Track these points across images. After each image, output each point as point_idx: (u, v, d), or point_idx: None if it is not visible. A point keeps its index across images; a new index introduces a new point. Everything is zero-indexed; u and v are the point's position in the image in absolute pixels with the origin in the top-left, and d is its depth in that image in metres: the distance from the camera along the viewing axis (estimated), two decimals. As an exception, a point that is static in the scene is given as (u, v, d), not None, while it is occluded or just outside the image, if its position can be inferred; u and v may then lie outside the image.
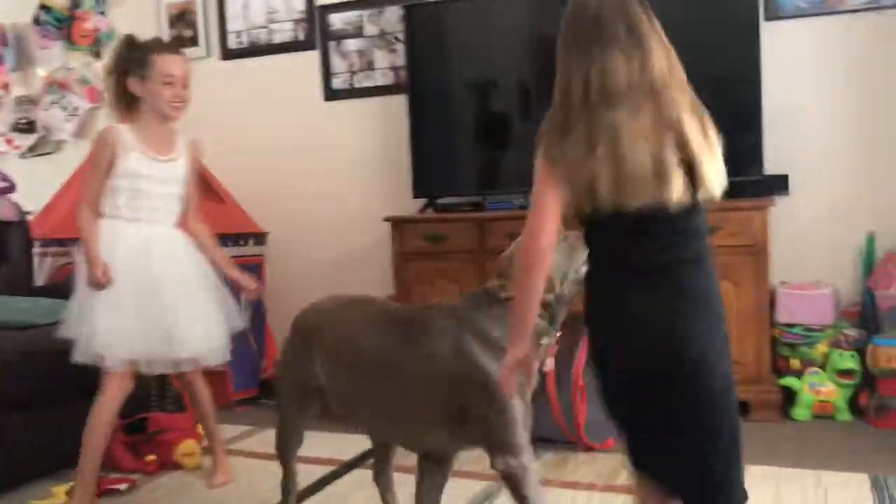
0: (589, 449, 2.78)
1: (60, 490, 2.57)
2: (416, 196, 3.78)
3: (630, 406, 1.51)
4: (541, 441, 2.84)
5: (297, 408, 2.14)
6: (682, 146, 1.45)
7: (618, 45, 1.44)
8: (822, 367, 3.12)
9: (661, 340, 1.43)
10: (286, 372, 2.13)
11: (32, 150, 4.81)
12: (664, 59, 1.51)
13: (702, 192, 1.47)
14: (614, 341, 1.48)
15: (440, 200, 3.75)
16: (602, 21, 1.46)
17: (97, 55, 4.62)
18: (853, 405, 3.09)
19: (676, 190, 1.42)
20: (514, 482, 1.79)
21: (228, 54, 4.38)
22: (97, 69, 4.58)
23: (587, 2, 1.50)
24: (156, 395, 3.20)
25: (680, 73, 1.56)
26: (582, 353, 2.78)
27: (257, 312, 3.88)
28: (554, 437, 2.83)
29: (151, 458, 2.83)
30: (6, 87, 4.84)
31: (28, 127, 4.76)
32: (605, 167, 1.42)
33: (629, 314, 1.45)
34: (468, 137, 3.72)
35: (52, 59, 4.70)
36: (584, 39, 1.48)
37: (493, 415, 1.78)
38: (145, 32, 4.44)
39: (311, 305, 2.15)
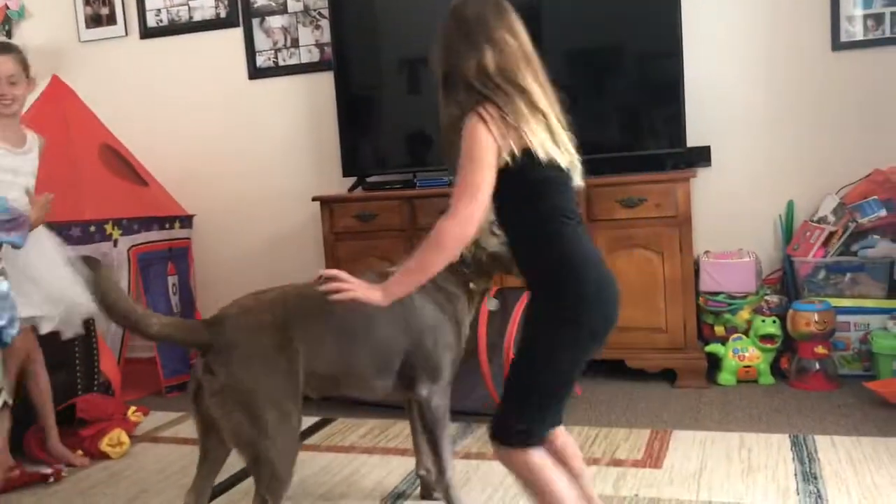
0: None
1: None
2: (345, 175, 3.75)
3: (575, 358, 1.57)
4: (474, 415, 2.88)
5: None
6: None
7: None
8: (746, 333, 3.22)
9: (616, 294, 1.60)
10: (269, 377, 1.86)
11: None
12: None
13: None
14: (600, 292, 1.57)
15: (370, 179, 3.72)
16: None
17: (8, 34, 4.43)
18: (775, 369, 3.19)
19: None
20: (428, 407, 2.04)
21: (147, 33, 4.24)
22: (9, 49, 4.39)
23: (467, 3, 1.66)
24: (82, 379, 3.11)
25: None
26: (513, 325, 2.80)
27: (185, 297, 3.80)
28: (487, 411, 2.85)
29: (79, 454, 2.76)
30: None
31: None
32: (542, 130, 1.61)
33: (597, 263, 1.60)
34: (396, 115, 3.69)
35: (-41, 38, 4.49)
36: (471, 32, 1.62)
37: (432, 348, 2.02)
38: (60, 11, 4.32)
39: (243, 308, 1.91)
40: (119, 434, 2.83)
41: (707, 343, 3.25)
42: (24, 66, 2.71)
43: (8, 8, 4.40)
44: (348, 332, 1.96)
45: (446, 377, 2.09)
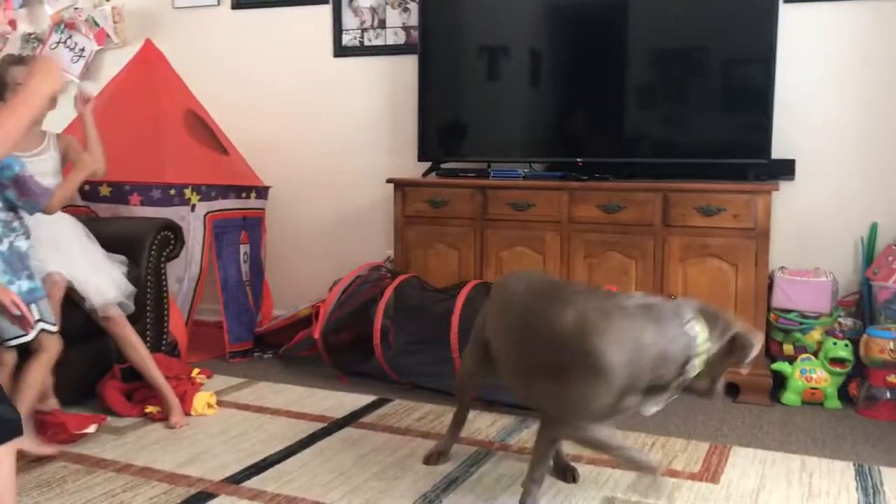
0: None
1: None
2: (420, 159, 3.76)
3: None
4: (530, 410, 2.87)
5: (472, 356, 2.35)
6: None
7: None
8: (815, 353, 3.13)
9: None
10: (476, 323, 2.37)
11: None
12: None
13: None
14: None
15: (444, 165, 3.73)
16: None
17: (106, -4, 4.56)
18: (843, 394, 3.10)
19: None
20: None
21: (239, 4, 4.31)
22: (106, 11, 4.53)
23: None
24: (151, 338, 3.21)
25: None
26: None
27: (255, 266, 3.88)
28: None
29: (153, 409, 2.85)
30: (13, 24, 4.78)
31: (33, 66, 4.70)
32: None
33: None
34: (476, 103, 3.69)
35: (60, -2, 4.64)
36: None
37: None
38: (157, -23, 4.43)
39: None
40: (211, 396, 2.96)
41: (774, 360, 3.18)
42: None
43: (108, -29, 4.52)
44: None
45: None
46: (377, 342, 3.20)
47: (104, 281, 2.84)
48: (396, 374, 3.21)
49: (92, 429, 2.64)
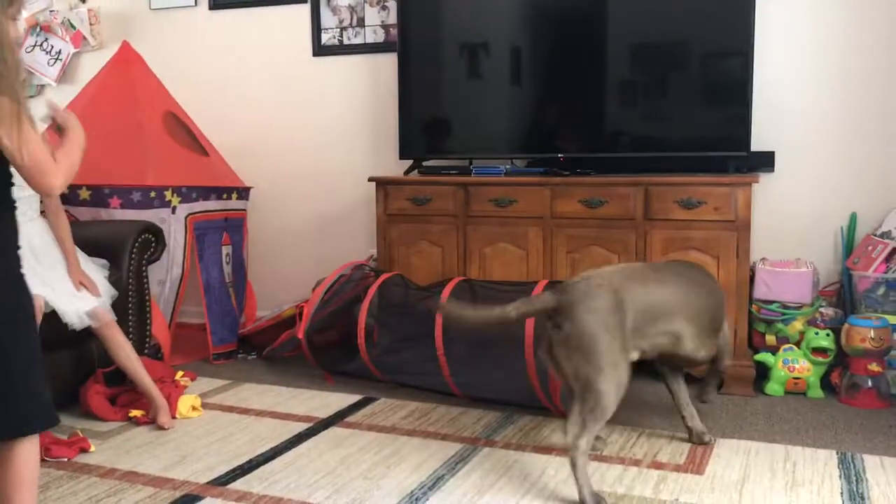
0: (563, 416, 2.79)
1: None
2: (401, 157, 3.76)
3: None
4: (517, 406, 2.88)
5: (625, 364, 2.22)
6: None
7: None
8: (797, 344, 3.16)
9: None
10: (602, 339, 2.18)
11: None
12: None
13: None
14: None
15: (426, 163, 3.73)
16: None
17: (83, -1, 4.53)
18: (825, 383, 3.13)
19: None
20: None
21: (216, 4, 4.29)
22: (82, 13, 4.49)
23: None
24: (134, 341, 3.19)
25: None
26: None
27: (238, 268, 3.86)
28: (530, 402, 2.85)
29: (137, 413, 2.83)
30: (-12, 27, 4.73)
31: (9, 69, 4.65)
32: None
33: None
34: (457, 100, 3.69)
35: (37, 0, 4.59)
36: None
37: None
38: (133, -22, 4.39)
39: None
40: (195, 399, 2.95)
41: (757, 352, 3.20)
42: None
43: (83, -28, 4.49)
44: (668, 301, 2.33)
45: None
46: (362, 341, 3.19)
47: (84, 294, 2.78)
48: (381, 372, 3.21)
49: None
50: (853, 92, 3.32)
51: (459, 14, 3.65)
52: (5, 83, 1.56)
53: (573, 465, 2.10)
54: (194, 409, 2.91)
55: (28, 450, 1.67)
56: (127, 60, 3.82)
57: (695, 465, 2.39)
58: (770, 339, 3.22)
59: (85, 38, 4.51)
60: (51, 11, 4.56)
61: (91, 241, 3.03)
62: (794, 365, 3.10)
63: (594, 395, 2.11)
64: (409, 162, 3.74)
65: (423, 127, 3.74)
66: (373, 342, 3.30)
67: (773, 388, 3.11)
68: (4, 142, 1.56)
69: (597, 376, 2.11)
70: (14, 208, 1.72)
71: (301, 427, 2.76)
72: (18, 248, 1.72)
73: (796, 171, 3.39)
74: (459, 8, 3.64)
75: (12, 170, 1.66)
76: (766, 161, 3.37)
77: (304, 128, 4.18)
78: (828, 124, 3.36)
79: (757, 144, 3.29)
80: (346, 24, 4.03)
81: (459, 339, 3.01)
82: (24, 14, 4.57)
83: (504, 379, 2.92)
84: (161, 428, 2.74)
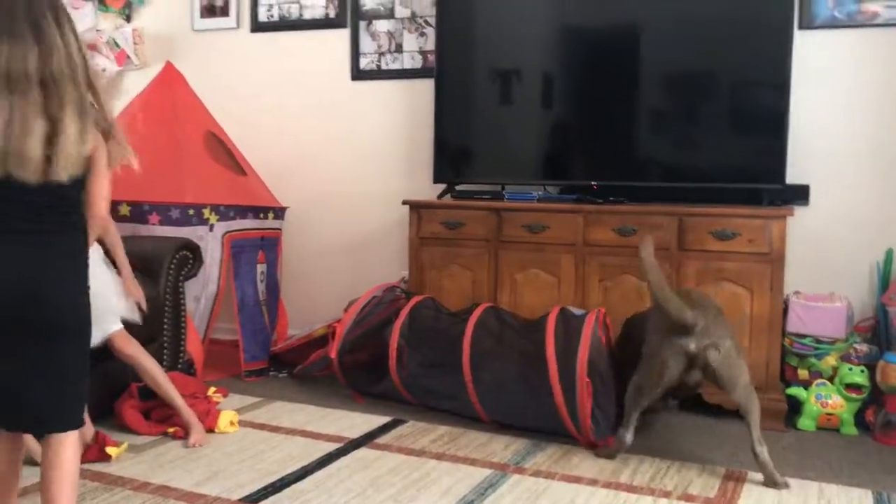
0: (591, 445, 2.79)
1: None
2: (436, 181, 3.79)
3: None
4: (543, 433, 2.88)
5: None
6: (54, 134, 1.69)
7: (20, 38, 1.68)
8: (831, 379, 3.13)
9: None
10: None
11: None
12: (63, 57, 1.71)
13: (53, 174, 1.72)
14: None
15: (459, 187, 3.76)
16: (9, 14, 1.69)
17: (128, 18, 4.64)
18: (859, 420, 3.09)
19: (32, 170, 1.69)
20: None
21: (258, 27, 4.38)
22: (127, 33, 4.60)
23: None
24: (168, 356, 3.24)
25: (82, 71, 1.75)
26: (584, 348, 2.78)
27: (272, 286, 3.91)
28: (556, 430, 2.85)
29: (173, 429, 2.87)
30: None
31: (55, 86, 4.77)
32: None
33: None
34: (491, 126, 3.72)
35: (83, 19, 4.70)
36: None
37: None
38: (178, 0, 4.50)
39: None
40: (234, 415, 2.99)
41: (789, 385, 3.18)
42: None
43: (130, -7, 4.60)
44: None
45: None
46: (393, 363, 3.22)
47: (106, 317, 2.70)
48: (411, 394, 3.22)
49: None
50: (890, 126, 3.31)
51: (495, 41, 3.70)
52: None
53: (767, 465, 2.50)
54: (232, 424, 2.95)
55: (74, 444, 1.85)
56: (170, 80, 3.91)
57: (726, 499, 2.37)
58: (802, 373, 3.19)
59: (129, 57, 4.61)
60: (97, 31, 4.67)
61: (130, 256, 3.07)
62: (826, 400, 3.07)
63: (752, 393, 2.56)
64: (443, 186, 3.77)
65: (457, 152, 3.78)
66: (402, 364, 3.32)
67: (806, 423, 3.08)
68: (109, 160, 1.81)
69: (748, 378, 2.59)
70: (85, 230, 1.87)
71: (331, 447, 2.78)
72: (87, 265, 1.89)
73: (832, 205, 3.38)
74: (495, 35, 3.69)
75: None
76: (801, 194, 3.36)
77: (340, 150, 4.23)
78: (864, 158, 3.35)
79: (792, 177, 3.28)
80: (384, 49, 4.09)
81: (487, 366, 3.02)
82: (72, 33, 4.69)
83: (532, 406, 2.92)
84: (194, 445, 2.77)
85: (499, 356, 3.05)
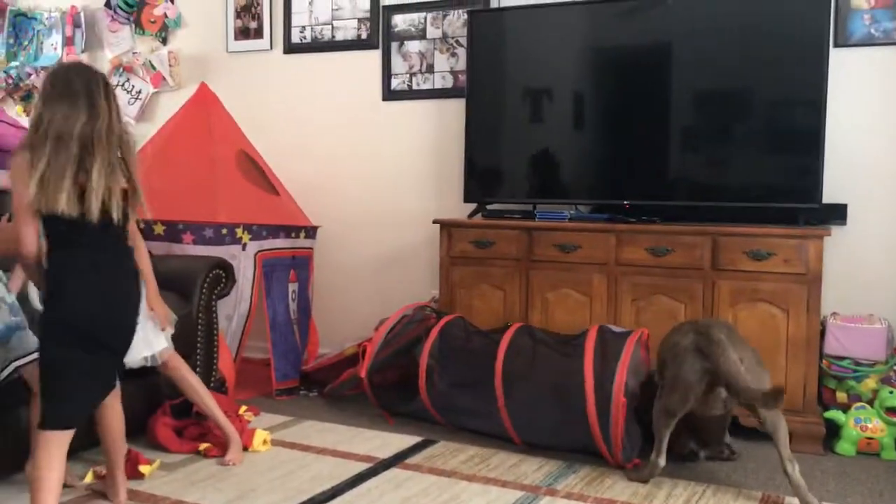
0: (619, 466, 2.76)
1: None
2: (466, 200, 3.79)
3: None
4: (575, 453, 2.85)
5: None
6: (85, 182, 2.05)
7: (75, 106, 2.07)
8: (870, 402, 3.06)
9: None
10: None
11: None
12: (105, 121, 2.09)
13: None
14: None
15: (489, 206, 3.76)
16: (69, 85, 2.09)
17: (163, 41, 4.72)
18: (899, 444, 3.02)
19: (91, 211, 2.06)
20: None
21: (291, 48, 4.43)
22: (162, 55, 4.68)
23: (62, 70, 2.17)
24: (201, 375, 3.25)
25: (117, 132, 2.13)
26: (623, 368, 2.76)
27: (303, 305, 3.92)
28: (588, 451, 2.82)
29: (206, 446, 2.88)
30: (74, 67, 4.96)
31: (93, 107, 4.86)
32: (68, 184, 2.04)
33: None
34: (522, 145, 3.72)
35: (120, 42, 4.81)
36: (56, 95, 2.08)
37: None
38: (213, 22, 4.57)
39: None
40: (267, 434, 3.00)
41: (826, 409, 3.11)
42: None
43: (166, 17, 4.68)
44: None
45: None
46: (422, 383, 3.21)
47: (150, 338, 2.68)
48: (441, 414, 3.21)
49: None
50: (930, 145, 3.25)
51: (526, 61, 3.70)
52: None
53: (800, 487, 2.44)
54: (265, 443, 2.95)
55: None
56: (204, 101, 3.97)
57: (763, 525, 2.33)
58: (841, 396, 3.13)
59: (164, 78, 4.69)
60: (133, 53, 4.76)
61: (164, 275, 3.09)
62: (866, 424, 3.01)
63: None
64: (474, 205, 3.77)
65: (487, 171, 3.78)
66: (432, 383, 3.31)
67: (845, 447, 3.02)
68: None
69: None
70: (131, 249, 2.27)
71: (361, 467, 2.77)
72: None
73: (869, 225, 3.32)
74: (526, 55, 3.69)
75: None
76: (838, 213, 3.31)
77: (371, 169, 4.25)
78: (903, 177, 3.29)
79: (829, 196, 3.24)
80: (415, 69, 4.11)
81: (519, 385, 3.00)
82: (109, 55, 4.79)
83: (563, 427, 2.89)
84: (230, 463, 2.78)
85: (531, 375, 3.02)
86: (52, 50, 4.97)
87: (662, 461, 2.61)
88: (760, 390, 2.43)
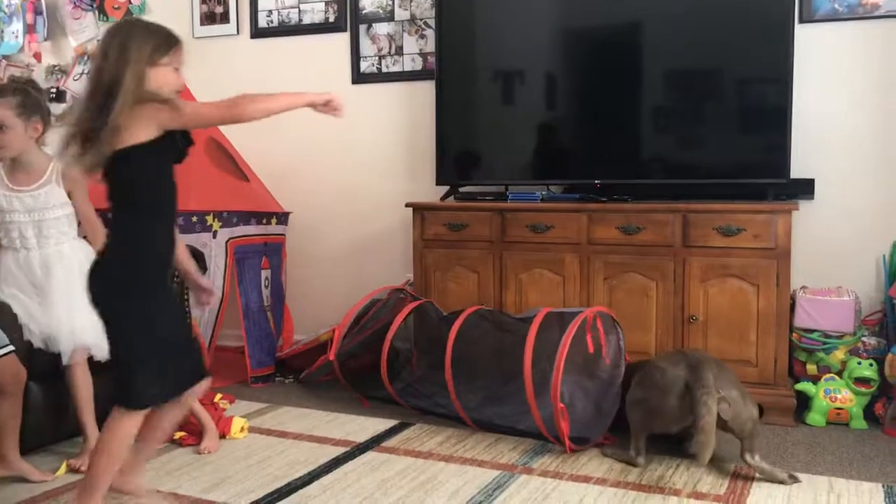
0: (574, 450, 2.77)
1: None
2: (438, 183, 3.79)
3: None
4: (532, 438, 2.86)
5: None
6: None
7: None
8: (839, 373, 3.11)
9: None
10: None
11: (60, 120, 4.82)
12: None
13: None
14: None
15: (462, 189, 3.75)
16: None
17: (128, 28, 4.64)
18: (868, 414, 3.07)
19: None
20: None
21: (258, 33, 4.38)
22: (127, 42, 4.60)
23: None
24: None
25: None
26: (557, 374, 2.69)
27: (276, 292, 3.90)
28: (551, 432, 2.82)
29: (181, 434, 2.86)
30: (38, 56, 4.88)
31: (57, 96, 4.79)
32: None
33: None
34: (493, 126, 3.71)
35: (83, 29, 4.73)
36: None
37: None
38: (178, 7, 4.50)
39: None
40: (244, 422, 2.99)
41: (797, 381, 3.16)
42: (20, 110, 2.65)
43: (130, 3, 4.61)
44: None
45: None
46: (384, 371, 3.19)
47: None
48: (405, 402, 3.21)
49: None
50: (894, 117, 3.29)
51: (495, 42, 3.69)
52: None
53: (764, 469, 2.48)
54: (242, 430, 2.95)
55: None
56: (171, 88, 3.90)
57: (735, 496, 2.36)
58: (811, 368, 3.17)
59: (130, 66, 4.61)
60: (98, 40, 4.68)
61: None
62: (836, 395, 3.06)
63: (757, 427, 2.51)
64: (446, 188, 3.77)
65: (459, 153, 3.77)
66: (411, 369, 3.31)
67: (815, 418, 3.07)
68: (174, 123, 1.99)
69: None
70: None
71: (338, 451, 2.77)
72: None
73: (837, 199, 3.36)
74: (495, 36, 3.68)
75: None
76: (805, 188, 3.34)
77: (342, 154, 4.23)
78: (869, 151, 3.33)
79: (797, 172, 3.27)
80: (384, 52, 4.09)
81: (468, 369, 3.00)
82: (74, 43, 4.71)
83: (524, 410, 2.88)
84: (206, 451, 2.76)
85: (480, 360, 3.02)
86: (14, 38, 4.88)
87: (642, 460, 2.60)
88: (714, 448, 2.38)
